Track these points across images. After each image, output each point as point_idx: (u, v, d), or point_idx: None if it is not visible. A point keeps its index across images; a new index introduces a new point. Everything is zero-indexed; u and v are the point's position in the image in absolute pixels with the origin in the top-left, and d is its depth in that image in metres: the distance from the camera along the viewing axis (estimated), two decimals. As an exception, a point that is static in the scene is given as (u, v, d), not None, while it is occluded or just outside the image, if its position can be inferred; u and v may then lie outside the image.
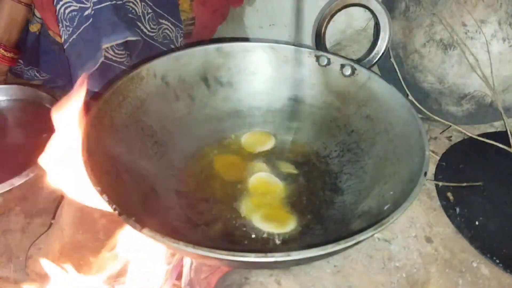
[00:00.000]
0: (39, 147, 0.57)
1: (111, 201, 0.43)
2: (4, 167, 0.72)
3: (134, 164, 0.54)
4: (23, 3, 0.81)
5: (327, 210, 0.56)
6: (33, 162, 0.67)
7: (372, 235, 0.43)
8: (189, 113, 0.64)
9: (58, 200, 0.66)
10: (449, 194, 0.62)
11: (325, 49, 0.70)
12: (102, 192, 0.43)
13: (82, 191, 0.51)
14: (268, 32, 0.97)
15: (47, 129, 0.69)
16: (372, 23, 0.80)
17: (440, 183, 0.64)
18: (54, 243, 0.58)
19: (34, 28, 0.87)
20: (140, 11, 0.72)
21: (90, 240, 0.56)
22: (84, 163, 0.46)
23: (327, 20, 0.69)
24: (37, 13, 0.84)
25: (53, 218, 0.63)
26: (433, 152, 0.69)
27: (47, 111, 0.76)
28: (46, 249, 0.58)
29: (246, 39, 0.68)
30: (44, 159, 0.54)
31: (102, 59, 0.70)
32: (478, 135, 0.68)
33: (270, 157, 0.63)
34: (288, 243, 0.51)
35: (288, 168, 0.62)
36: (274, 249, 0.45)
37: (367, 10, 0.69)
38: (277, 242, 0.52)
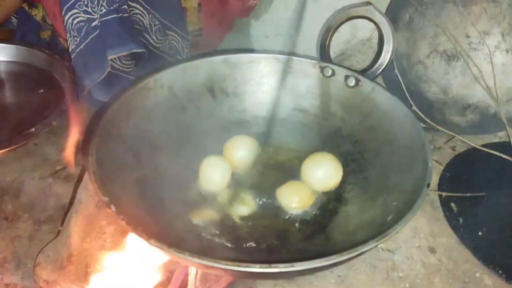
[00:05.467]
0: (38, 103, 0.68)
1: (119, 211, 0.44)
2: (7, 124, 0.73)
3: (141, 174, 0.55)
4: None
5: (331, 220, 0.57)
6: (35, 118, 0.70)
7: (376, 246, 0.43)
8: (195, 123, 0.65)
9: (66, 207, 0.67)
10: (452, 204, 0.63)
11: (330, 60, 0.71)
12: (110, 202, 0.44)
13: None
14: (274, 42, 0.98)
15: (43, 86, 0.78)
16: (376, 33, 0.81)
17: (444, 193, 0.64)
18: (62, 250, 0.59)
19: (44, 35, 0.89)
20: (148, 23, 0.74)
21: (97, 248, 0.57)
22: (93, 173, 0.47)
23: (331, 31, 0.69)
24: (48, 21, 0.86)
25: (61, 225, 0.63)
26: (436, 162, 0.69)
27: (41, 69, 0.82)
28: (54, 256, 0.59)
29: (251, 50, 0.69)
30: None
31: (108, 69, 0.71)
32: (482, 146, 0.69)
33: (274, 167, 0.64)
34: (292, 253, 0.52)
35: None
36: (279, 259, 0.46)
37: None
38: (282, 252, 0.52)
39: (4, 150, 0.66)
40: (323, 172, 0.59)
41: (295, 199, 0.57)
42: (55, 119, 0.70)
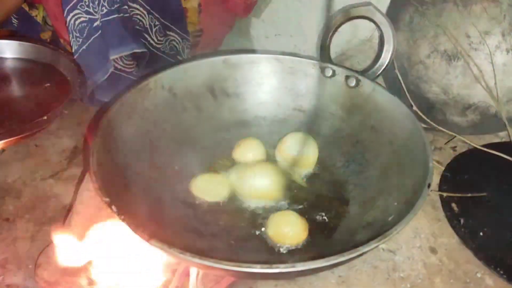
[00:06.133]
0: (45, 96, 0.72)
1: (120, 212, 0.44)
2: (15, 118, 0.72)
3: (142, 174, 0.55)
4: None
5: (332, 220, 0.57)
6: (43, 111, 0.69)
7: (377, 246, 0.43)
8: (196, 123, 0.65)
9: (68, 208, 0.67)
10: (453, 204, 0.63)
11: (330, 61, 0.71)
12: (111, 203, 0.44)
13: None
14: (274, 42, 0.98)
15: (49, 80, 0.78)
16: (376, 33, 0.81)
17: (445, 194, 0.64)
18: (63, 251, 0.59)
19: (45, 35, 0.89)
20: (148, 23, 0.74)
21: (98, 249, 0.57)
22: (94, 174, 0.47)
23: (331, 32, 0.69)
24: (49, 21, 0.86)
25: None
26: (437, 162, 0.69)
27: (46, 64, 0.82)
28: (55, 257, 0.59)
29: (252, 51, 0.69)
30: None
31: (111, 69, 0.72)
32: (483, 146, 0.69)
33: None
34: (294, 253, 0.52)
35: (295, 178, 0.62)
36: (280, 260, 0.46)
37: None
38: (283, 252, 0.52)
39: (17, 137, 0.65)
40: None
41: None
42: (66, 108, 0.69)
